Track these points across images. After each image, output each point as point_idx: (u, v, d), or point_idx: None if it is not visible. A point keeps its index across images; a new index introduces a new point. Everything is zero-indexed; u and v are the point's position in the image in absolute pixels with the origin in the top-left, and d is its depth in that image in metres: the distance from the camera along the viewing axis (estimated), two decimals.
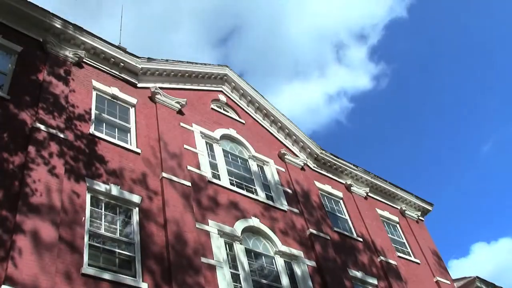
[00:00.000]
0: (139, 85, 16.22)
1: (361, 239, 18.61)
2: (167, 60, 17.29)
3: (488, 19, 56.59)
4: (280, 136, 19.89)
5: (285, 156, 18.92)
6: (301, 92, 61.34)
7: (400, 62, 60.83)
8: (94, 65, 15.35)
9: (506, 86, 55.62)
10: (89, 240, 10.87)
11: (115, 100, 15.12)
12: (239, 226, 14.38)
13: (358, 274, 16.87)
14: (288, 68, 61.90)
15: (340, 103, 64.01)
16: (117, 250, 11.31)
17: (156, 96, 16.08)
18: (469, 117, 59.19)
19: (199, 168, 15.12)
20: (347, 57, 64.60)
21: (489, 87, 57.66)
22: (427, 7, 59.04)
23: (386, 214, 21.64)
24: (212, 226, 13.61)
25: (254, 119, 19.63)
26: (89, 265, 10.43)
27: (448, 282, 20.69)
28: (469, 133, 59.43)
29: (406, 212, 22.58)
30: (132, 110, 15.31)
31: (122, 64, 15.90)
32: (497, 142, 60.40)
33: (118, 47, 16.30)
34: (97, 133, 13.34)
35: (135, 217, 12.24)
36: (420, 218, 23.32)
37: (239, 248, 13.86)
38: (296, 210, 16.93)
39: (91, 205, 11.66)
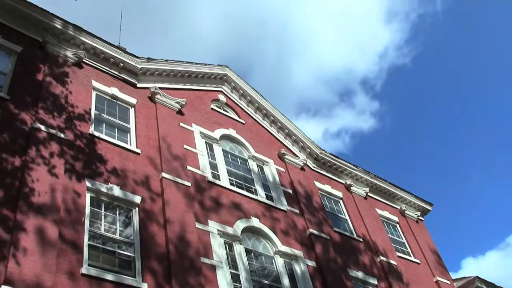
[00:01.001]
0: (138, 85, 16.21)
1: (361, 239, 18.60)
2: (166, 60, 17.27)
3: (484, 70, 58.64)
4: (280, 136, 19.88)
5: (285, 156, 18.91)
6: (305, 129, 62.83)
7: (402, 104, 62.75)
8: (94, 65, 15.33)
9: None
10: (89, 240, 10.85)
11: (114, 100, 15.11)
12: (239, 226, 14.37)
13: (359, 274, 16.87)
14: (292, 107, 63.87)
15: (343, 140, 65.14)
16: (117, 250, 11.29)
17: (156, 96, 16.08)
18: (461, 149, 61.25)
19: (199, 168, 15.12)
20: (351, 98, 65.92)
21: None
22: (431, 58, 61.12)
23: (386, 214, 21.64)
24: (212, 226, 13.60)
25: (254, 119, 19.61)
26: (89, 265, 10.41)
27: (448, 282, 20.69)
28: (460, 163, 60.70)
29: (406, 212, 22.58)
30: (131, 110, 15.31)
31: (122, 64, 15.89)
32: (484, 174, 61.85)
33: (118, 47, 16.29)
34: (97, 133, 13.33)
35: (135, 217, 12.23)
36: (420, 218, 23.32)
37: (239, 248, 13.85)
38: (296, 210, 16.92)
39: (91, 205, 11.64)
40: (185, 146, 15.35)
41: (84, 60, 15.05)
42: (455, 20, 59.01)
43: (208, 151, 16.33)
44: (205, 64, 18.74)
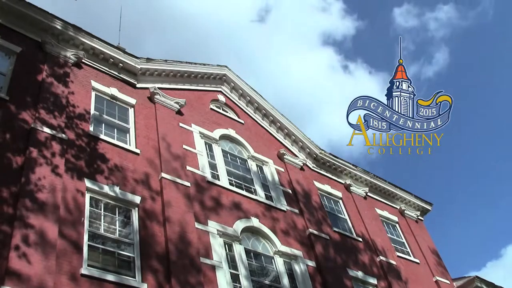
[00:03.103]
0: (138, 85, 16.20)
1: (360, 239, 18.61)
2: (166, 61, 17.27)
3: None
4: (279, 136, 19.88)
5: (284, 156, 18.91)
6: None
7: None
8: (93, 65, 15.33)
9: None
10: (88, 241, 10.85)
11: (114, 101, 15.11)
12: (238, 226, 14.37)
13: (359, 274, 16.87)
14: None
15: None
16: (117, 251, 11.29)
17: (155, 96, 16.07)
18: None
19: (198, 168, 15.12)
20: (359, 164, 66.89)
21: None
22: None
23: (385, 214, 21.65)
24: (212, 226, 13.60)
25: (253, 119, 19.61)
26: (88, 265, 10.41)
27: (448, 282, 20.69)
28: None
29: (405, 211, 22.58)
30: (131, 111, 15.30)
31: (121, 65, 15.89)
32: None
33: (117, 48, 16.30)
34: (96, 134, 13.33)
35: (135, 217, 12.23)
36: (420, 218, 23.32)
37: (238, 248, 13.85)
38: (295, 210, 16.92)
39: (91, 205, 11.64)
40: (184, 146, 15.35)
41: (83, 60, 15.04)
42: (463, 100, 59.40)
43: (208, 151, 16.33)
44: (204, 64, 18.73)
